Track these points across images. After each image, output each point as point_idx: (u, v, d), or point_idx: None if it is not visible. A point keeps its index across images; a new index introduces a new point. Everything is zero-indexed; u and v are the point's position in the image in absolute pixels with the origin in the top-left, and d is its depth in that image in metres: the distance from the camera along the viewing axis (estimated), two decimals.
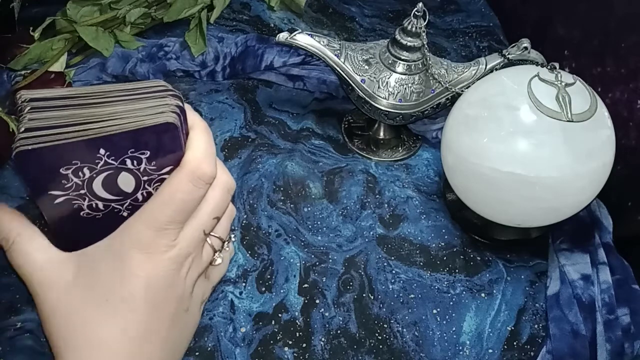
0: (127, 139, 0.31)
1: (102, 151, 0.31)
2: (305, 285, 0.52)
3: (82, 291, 0.31)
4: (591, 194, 0.51)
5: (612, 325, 0.50)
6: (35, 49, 0.61)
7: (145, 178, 0.33)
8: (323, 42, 0.58)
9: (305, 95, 0.69)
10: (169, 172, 0.33)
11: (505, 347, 0.50)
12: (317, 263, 0.53)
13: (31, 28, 0.62)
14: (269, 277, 0.52)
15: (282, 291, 0.51)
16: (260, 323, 0.49)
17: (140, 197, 0.33)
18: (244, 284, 0.51)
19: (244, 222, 0.55)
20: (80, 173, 0.31)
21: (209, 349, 0.47)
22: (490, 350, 0.50)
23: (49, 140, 0.29)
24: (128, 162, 0.32)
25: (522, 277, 0.55)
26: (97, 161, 0.31)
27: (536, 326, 0.52)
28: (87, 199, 0.32)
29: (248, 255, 0.53)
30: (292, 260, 0.53)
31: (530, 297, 0.54)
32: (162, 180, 0.33)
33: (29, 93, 0.32)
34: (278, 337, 0.49)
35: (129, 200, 0.33)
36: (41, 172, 0.30)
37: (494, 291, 0.54)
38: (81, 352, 0.31)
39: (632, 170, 0.58)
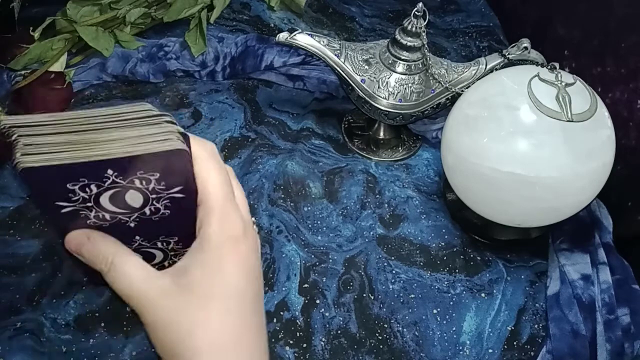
0: (136, 163, 0.30)
1: (109, 171, 0.30)
2: (306, 285, 0.52)
3: (182, 297, 0.32)
4: (591, 194, 0.51)
5: (612, 325, 0.50)
6: (35, 49, 0.61)
7: (154, 196, 0.32)
8: (323, 42, 0.58)
9: (305, 95, 0.69)
10: (178, 192, 0.33)
11: (505, 347, 0.50)
12: (317, 263, 0.53)
13: (31, 28, 0.62)
14: (271, 275, 0.52)
15: (283, 289, 0.51)
16: None
17: (147, 212, 0.33)
18: None
19: None
20: (87, 189, 0.31)
21: None
22: (490, 350, 0.50)
23: (54, 159, 0.29)
24: (137, 182, 0.31)
25: (522, 277, 0.55)
26: (104, 179, 0.31)
27: (536, 326, 0.52)
28: (94, 210, 0.32)
29: None
30: (292, 258, 0.53)
31: (530, 297, 0.54)
32: (170, 199, 0.33)
33: (11, 120, 0.31)
34: (279, 336, 0.49)
35: (136, 214, 0.33)
36: (48, 187, 0.30)
37: (494, 291, 0.54)
38: (188, 352, 0.32)
39: (632, 170, 0.58)
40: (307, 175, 0.60)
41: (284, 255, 0.53)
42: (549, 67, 0.50)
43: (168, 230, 0.35)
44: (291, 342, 0.49)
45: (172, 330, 0.32)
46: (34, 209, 0.53)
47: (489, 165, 0.49)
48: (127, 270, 0.32)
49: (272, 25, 0.75)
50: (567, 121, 0.47)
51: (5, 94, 0.59)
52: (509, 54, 0.60)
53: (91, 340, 0.46)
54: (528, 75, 0.50)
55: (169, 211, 0.33)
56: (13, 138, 0.30)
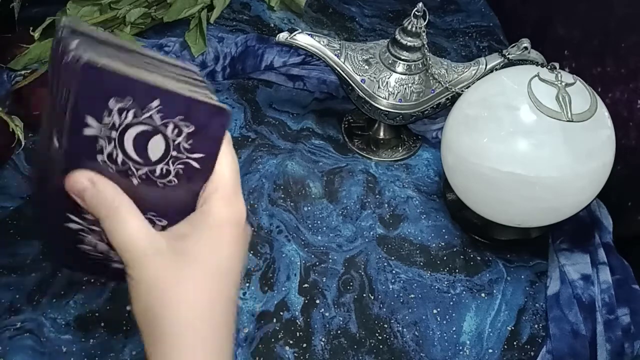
0: (183, 104, 0.31)
1: (155, 102, 0.30)
2: (306, 285, 0.52)
3: (174, 259, 0.33)
4: (591, 194, 0.51)
5: (612, 325, 0.50)
6: (35, 49, 0.61)
7: (174, 153, 0.32)
8: (323, 42, 0.58)
9: (305, 95, 0.69)
10: (197, 160, 0.33)
11: (505, 347, 0.50)
12: (317, 263, 0.53)
13: (31, 28, 0.62)
14: (271, 275, 0.52)
15: (283, 289, 0.51)
16: (262, 321, 0.49)
17: (157, 171, 0.32)
18: (247, 284, 0.51)
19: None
20: (123, 114, 0.30)
21: None
22: (490, 350, 0.50)
23: (113, 67, 0.29)
24: (170, 127, 0.31)
25: (522, 277, 0.55)
26: (145, 110, 0.30)
27: (536, 326, 0.52)
28: (112, 144, 0.31)
29: (250, 254, 0.53)
30: (292, 258, 0.53)
31: (530, 297, 0.54)
32: (186, 164, 0.33)
33: (70, 23, 0.31)
34: (279, 336, 0.49)
35: (146, 169, 0.32)
36: (95, 92, 0.29)
37: (494, 291, 0.54)
38: (165, 310, 0.32)
39: (632, 170, 0.58)
40: (307, 175, 0.60)
41: (284, 255, 0.53)
42: (549, 67, 0.50)
43: (162, 208, 0.34)
44: (291, 342, 0.49)
45: (156, 288, 0.32)
46: (32, 209, 0.53)
47: (489, 165, 0.49)
48: (130, 222, 0.32)
49: (272, 25, 0.75)
50: (567, 121, 0.47)
51: (5, 94, 0.59)
52: (509, 54, 0.60)
53: (91, 340, 0.46)
54: (528, 75, 0.50)
55: (176, 180, 0.33)
56: (70, 38, 0.30)
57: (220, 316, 0.34)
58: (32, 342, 0.45)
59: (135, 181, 0.32)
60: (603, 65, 0.62)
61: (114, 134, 0.31)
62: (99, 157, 0.31)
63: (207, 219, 0.34)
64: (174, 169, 0.33)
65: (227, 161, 0.34)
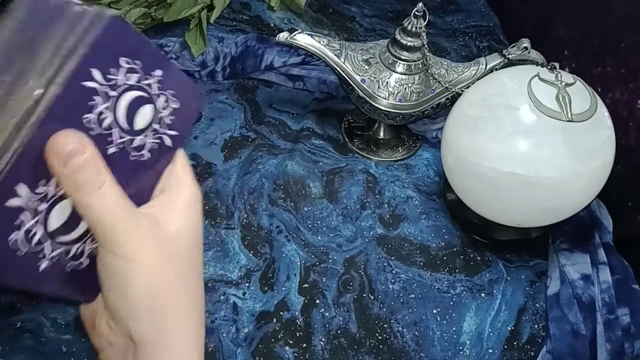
0: (178, 78, 0.32)
1: (158, 72, 0.31)
2: (306, 285, 0.52)
3: (152, 233, 0.32)
4: (591, 194, 0.51)
5: (612, 325, 0.50)
6: None
7: (156, 126, 0.32)
8: (323, 42, 0.58)
9: (305, 95, 0.69)
10: (171, 137, 0.34)
11: (505, 347, 0.50)
12: (317, 263, 0.53)
13: None
14: (271, 275, 0.52)
15: (283, 289, 0.51)
16: (262, 321, 0.49)
17: (135, 142, 0.32)
18: (247, 284, 0.51)
19: (245, 221, 0.55)
20: (128, 75, 0.30)
21: (210, 349, 0.47)
22: (490, 350, 0.50)
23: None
24: (162, 99, 0.32)
25: (522, 277, 0.55)
26: (147, 77, 0.31)
27: (536, 326, 0.52)
28: (106, 105, 0.30)
29: (251, 254, 0.53)
30: (292, 258, 0.53)
31: (530, 297, 0.54)
32: (161, 140, 0.33)
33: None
34: (279, 336, 0.49)
35: (126, 138, 0.31)
36: (113, 47, 0.29)
37: (494, 291, 0.54)
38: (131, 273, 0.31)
39: (632, 170, 0.58)
40: (307, 175, 0.60)
41: (283, 255, 0.53)
42: (549, 67, 0.50)
43: (125, 183, 0.31)
44: (291, 342, 0.49)
45: (154, 266, 0.31)
46: None
47: (489, 165, 0.49)
48: (117, 199, 0.30)
49: (272, 25, 0.75)
50: (567, 121, 0.47)
51: None
52: (509, 54, 0.60)
53: None
54: (528, 75, 0.50)
55: (149, 155, 0.32)
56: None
57: (188, 281, 0.34)
58: (32, 342, 0.45)
59: (111, 150, 0.30)
60: (603, 65, 0.62)
61: (113, 93, 0.29)
62: (85, 117, 0.29)
63: (182, 195, 0.34)
64: (150, 143, 0.32)
65: (182, 151, 0.35)
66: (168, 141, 0.33)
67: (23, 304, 0.47)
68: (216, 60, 0.68)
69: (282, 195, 0.58)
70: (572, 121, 0.47)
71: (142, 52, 0.30)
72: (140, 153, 0.32)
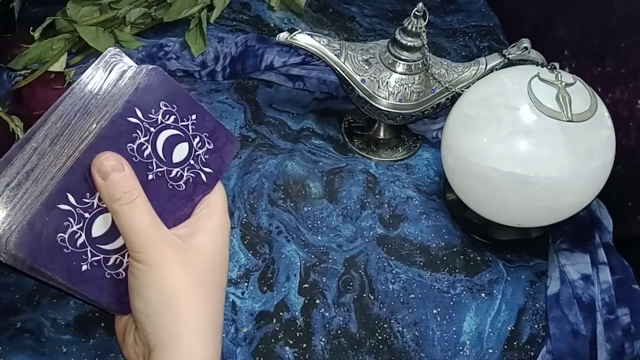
0: (212, 124, 0.38)
1: (194, 116, 0.37)
2: (306, 286, 0.52)
3: (184, 250, 0.36)
4: (591, 194, 0.51)
5: (612, 325, 0.50)
6: (35, 49, 0.61)
7: (192, 162, 0.38)
8: (323, 42, 0.58)
9: (305, 95, 0.69)
10: (206, 174, 0.39)
11: (506, 347, 0.50)
12: (317, 263, 0.53)
13: (31, 28, 0.62)
14: (270, 275, 0.52)
15: (283, 289, 0.51)
16: (262, 322, 0.49)
17: (173, 173, 0.37)
18: (246, 284, 0.51)
19: (244, 221, 0.55)
20: (166, 115, 0.36)
21: None
22: (491, 350, 0.50)
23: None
24: (197, 139, 0.38)
25: (522, 277, 0.55)
26: (184, 119, 0.37)
27: (536, 326, 0.52)
28: (146, 137, 0.35)
29: (250, 254, 0.53)
30: (292, 258, 0.53)
31: (530, 297, 0.54)
32: (197, 174, 0.38)
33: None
34: (279, 336, 0.49)
35: (164, 168, 0.36)
36: (153, 91, 0.35)
37: (494, 291, 0.54)
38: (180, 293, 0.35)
39: (632, 170, 0.59)
40: (307, 175, 0.60)
41: (283, 256, 0.53)
42: (549, 67, 0.50)
43: (161, 207, 0.36)
44: (291, 342, 0.49)
45: (169, 273, 0.34)
46: None
47: (489, 165, 0.49)
48: (146, 211, 0.34)
49: (272, 25, 0.75)
50: (567, 121, 0.47)
51: (5, 94, 0.59)
52: (509, 54, 0.60)
53: (91, 340, 0.46)
54: (528, 75, 0.50)
55: (184, 186, 0.38)
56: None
57: (221, 301, 0.38)
58: (32, 342, 0.45)
59: (150, 176, 0.36)
60: (603, 65, 0.62)
61: (152, 129, 0.35)
62: (129, 145, 0.35)
63: (211, 220, 0.38)
64: (186, 176, 0.38)
65: (220, 185, 0.40)
66: (203, 177, 0.39)
67: (23, 304, 0.47)
68: (216, 60, 0.68)
69: (282, 195, 0.58)
70: (572, 121, 0.47)
71: (179, 99, 0.37)
72: (177, 183, 0.37)
